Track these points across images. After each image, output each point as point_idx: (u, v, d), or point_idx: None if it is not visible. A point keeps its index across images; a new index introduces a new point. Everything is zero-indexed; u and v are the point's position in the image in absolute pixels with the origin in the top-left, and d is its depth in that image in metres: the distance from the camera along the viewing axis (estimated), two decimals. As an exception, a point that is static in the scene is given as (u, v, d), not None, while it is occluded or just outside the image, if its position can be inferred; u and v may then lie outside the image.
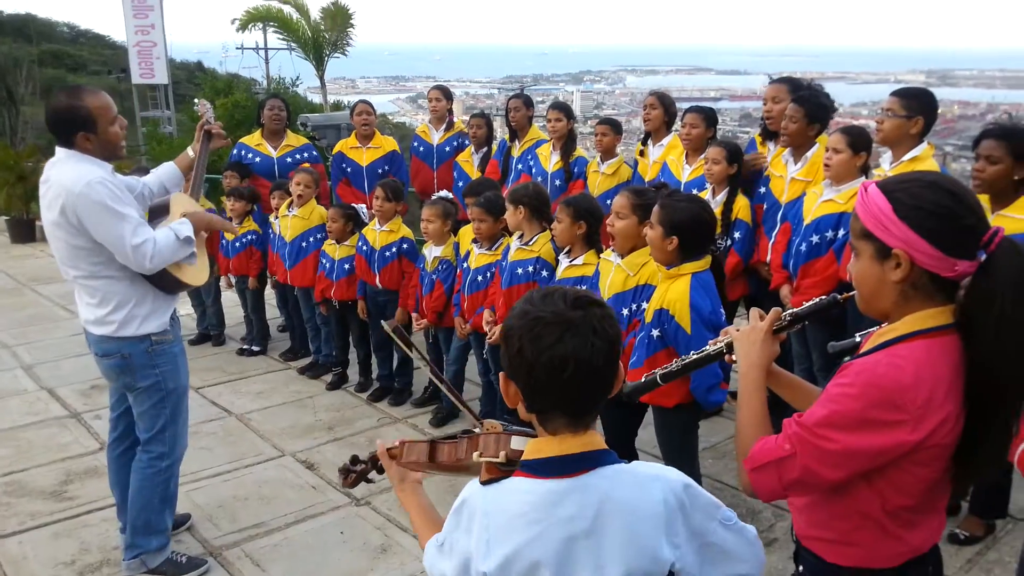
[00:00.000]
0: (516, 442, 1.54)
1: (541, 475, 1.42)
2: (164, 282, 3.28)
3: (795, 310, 1.88)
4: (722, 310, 3.22)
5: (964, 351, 1.56)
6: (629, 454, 3.65)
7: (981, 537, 3.61)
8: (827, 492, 1.68)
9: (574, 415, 1.43)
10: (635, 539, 1.39)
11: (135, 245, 3.06)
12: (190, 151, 3.65)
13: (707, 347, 1.98)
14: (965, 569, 3.44)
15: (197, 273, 3.40)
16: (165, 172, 3.60)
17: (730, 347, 1.91)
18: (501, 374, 1.47)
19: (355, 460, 2.09)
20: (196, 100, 3.64)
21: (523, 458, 1.47)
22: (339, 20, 19.31)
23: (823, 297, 1.89)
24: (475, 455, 1.58)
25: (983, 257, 1.52)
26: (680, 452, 3.42)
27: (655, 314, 3.22)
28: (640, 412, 3.61)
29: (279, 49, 23.86)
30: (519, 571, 1.42)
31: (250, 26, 20.45)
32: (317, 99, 21.67)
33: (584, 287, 3.72)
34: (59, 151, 3.11)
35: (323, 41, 19.49)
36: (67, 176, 3.02)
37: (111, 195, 3.04)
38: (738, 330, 1.89)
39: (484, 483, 1.50)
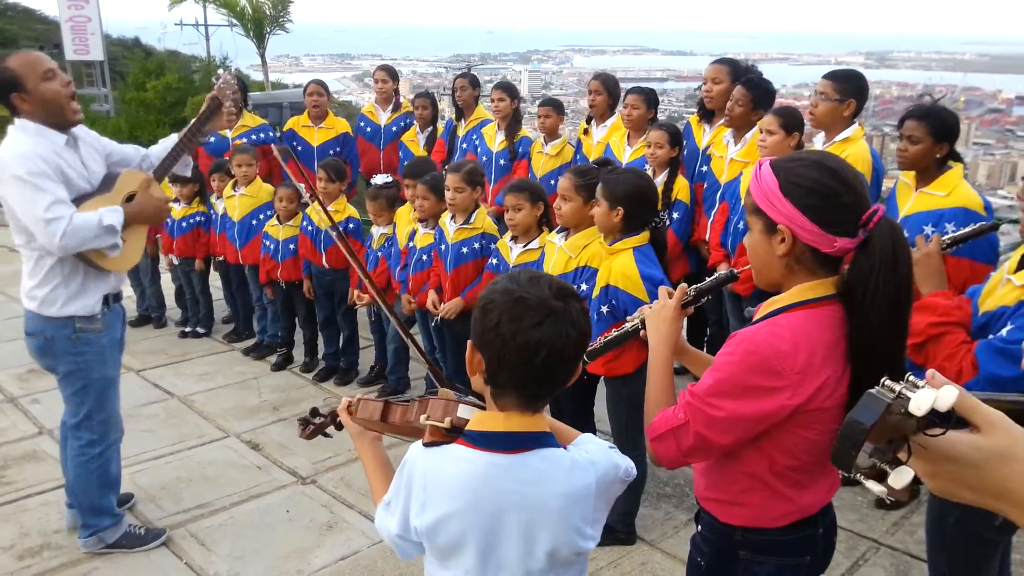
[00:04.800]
0: (463, 411, 1.57)
1: (483, 447, 1.46)
2: (87, 259, 3.15)
3: (698, 285, 1.99)
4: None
5: (846, 320, 1.66)
6: (587, 423, 3.72)
7: (906, 502, 3.78)
8: (720, 456, 1.78)
9: (529, 398, 1.47)
10: (565, 518, 1.45)
11: (46, 219, 2.91)
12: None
13: (625, 324, 2.07)
14: (891, 532, 3.61)
15: (121, 260, 3.24)
16: (172, 142, 3.42)
17: (644, 323, 2.00)
18: (469, 342, 1.49)
19: (315, 412, 2.12)
20: (219, 71, 3.44)
21: (467, 428, 1.51)
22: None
23: (722, 272, 2.00)
24: (422, 417, 1.62)
25: (863, 235, 1.61)
26: (626, 427, 3.48)
27: (602, 291, 3.24)
28: (596, 380, 3.64)
29: (220, 25, 23.29)
30: (446, 537, 1.48)
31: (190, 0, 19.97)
32: (258, 76, 21.26)
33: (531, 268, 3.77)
34: (15, 122, 3.08)
35: (263, 18, 19.10)
36: (4, 147, 3.01)
37: (34, 170, 2.93)
38: (650, 307, 1.98)
39: (426, 444, 1.55)
